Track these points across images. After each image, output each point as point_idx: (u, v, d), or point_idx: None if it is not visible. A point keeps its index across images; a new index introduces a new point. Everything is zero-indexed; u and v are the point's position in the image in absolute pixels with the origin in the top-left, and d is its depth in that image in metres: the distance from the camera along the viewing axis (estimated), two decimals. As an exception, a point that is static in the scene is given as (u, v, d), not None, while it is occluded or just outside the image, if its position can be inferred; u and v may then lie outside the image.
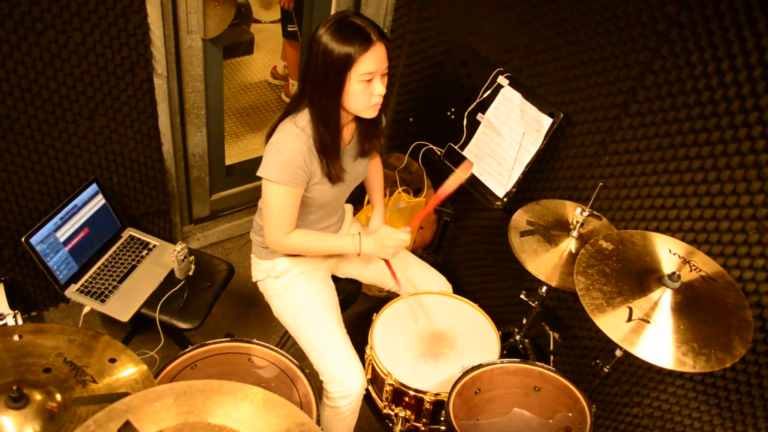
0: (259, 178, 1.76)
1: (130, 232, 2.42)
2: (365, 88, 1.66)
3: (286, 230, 1.82)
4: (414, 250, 2.12)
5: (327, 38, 1.59)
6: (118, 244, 2.35)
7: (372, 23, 1.63)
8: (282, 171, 1.70)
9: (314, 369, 1.91)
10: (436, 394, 1.77)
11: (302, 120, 1.73)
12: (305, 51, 1.86)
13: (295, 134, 1.70)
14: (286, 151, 1.69)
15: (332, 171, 1.79)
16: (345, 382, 1.84)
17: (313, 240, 1.90)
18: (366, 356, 1.94)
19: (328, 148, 1.74)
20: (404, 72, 2.89)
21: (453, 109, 2.46)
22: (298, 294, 1.99)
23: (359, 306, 2.72)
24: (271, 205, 1.77)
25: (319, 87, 1.66)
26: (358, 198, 2.74)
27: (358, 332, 2.09)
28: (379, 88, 1.67)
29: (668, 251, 1.71)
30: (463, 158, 2.36)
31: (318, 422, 1.78)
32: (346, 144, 1.86)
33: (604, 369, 1.88)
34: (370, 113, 1.74)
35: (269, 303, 2.06)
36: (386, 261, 1.99)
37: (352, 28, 1.59)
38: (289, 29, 3.84)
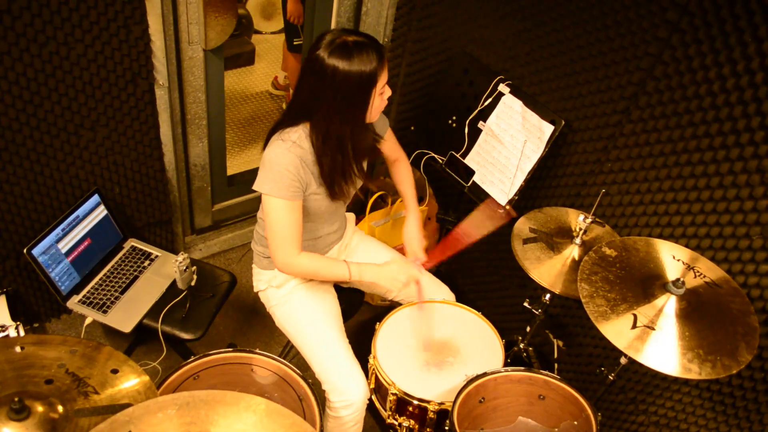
0: (261, 188, 1.76)
1: (132, 242, 2.42)
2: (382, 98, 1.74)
3: (294, 250, 1.78)
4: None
5: (339, 62, 1.59)
6: (120, 254, 2.35)
7: (363, 35, 1.65)
8: (278, 185, 1.70)
9: (317, 379, 1.90)
10: (440, 404, 1.76)
11: (293, 134, 1.72)
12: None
13: (287, 147, 1.70)
14: (280, 165, 1.69)
15: (341, 191, 1.82)
16: (347, 391, 1.83)
17: (323, 265, 1.86)
18: (369, 365, 1.93)
19: (345, 171, 1.79)
20: (405, 81, 2.90)
21: (454, 118, 2.46)
22: (299, 303, 1.98)
23: (362, 315, 2.71)
24: (274, 222, 1.75)
25: (341, 111, 1.66)
26: (360, 207, 2.74)
27: (362, 342, 2.08)
28: (388, 90, 1.74)
29: (672, 257, 1.70)
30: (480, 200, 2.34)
31: (321, 432, 1.77)
32: None
33: (609, 377, 1.86)
34: (377, 116, 1.81)
35: (271, 313, 2.05)
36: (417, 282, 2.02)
37: (360, 48, 1.60)
38: (295, 43, 3.82)
